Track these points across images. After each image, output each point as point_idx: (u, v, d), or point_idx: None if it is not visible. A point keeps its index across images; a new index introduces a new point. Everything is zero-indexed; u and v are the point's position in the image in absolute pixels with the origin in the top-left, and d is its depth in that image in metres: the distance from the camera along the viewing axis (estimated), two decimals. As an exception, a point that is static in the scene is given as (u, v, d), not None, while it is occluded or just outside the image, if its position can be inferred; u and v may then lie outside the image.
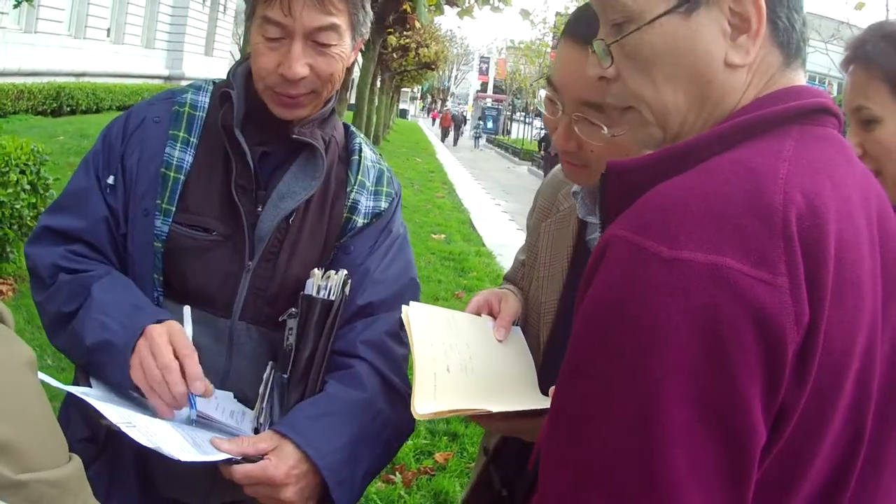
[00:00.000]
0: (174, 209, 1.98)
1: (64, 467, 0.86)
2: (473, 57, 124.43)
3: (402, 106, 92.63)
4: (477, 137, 63.65)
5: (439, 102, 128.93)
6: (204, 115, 2.05)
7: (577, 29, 1.74)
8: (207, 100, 2.07)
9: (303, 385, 1.93)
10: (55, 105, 24.89)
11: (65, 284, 1.92)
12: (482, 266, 12.19)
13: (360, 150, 2.19)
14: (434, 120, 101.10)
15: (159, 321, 1.83)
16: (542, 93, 1.88)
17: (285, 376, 1.91)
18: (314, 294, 1.94)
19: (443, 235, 14.28)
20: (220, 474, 1.78)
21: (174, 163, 1.99)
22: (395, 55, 30.86)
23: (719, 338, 0.99)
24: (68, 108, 24.91)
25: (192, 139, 2.02)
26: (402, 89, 60.65)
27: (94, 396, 1.72)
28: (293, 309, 1.94)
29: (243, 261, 2.01)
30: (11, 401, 0.81)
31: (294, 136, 2.01)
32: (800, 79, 1.27)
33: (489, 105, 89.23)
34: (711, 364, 0.99)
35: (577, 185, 1.99)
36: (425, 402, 1.64)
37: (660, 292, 1.02)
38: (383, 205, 2.19)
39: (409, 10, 8.01)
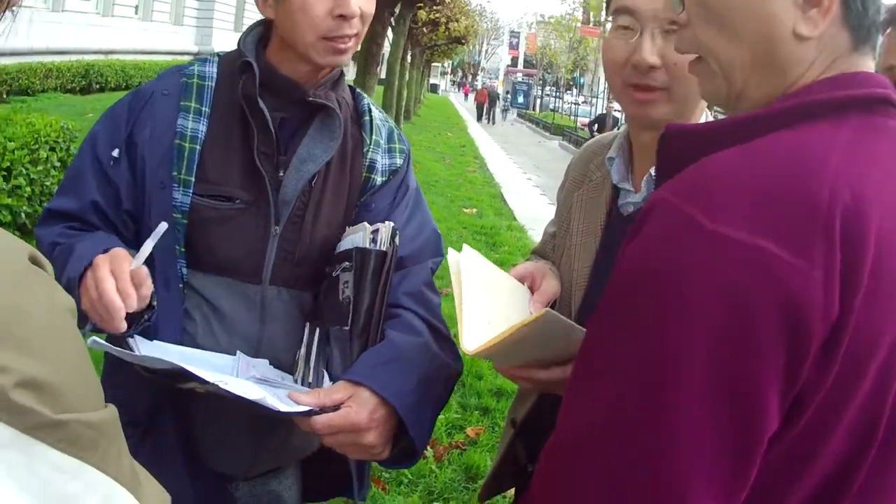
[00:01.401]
0: (193, 180, 1.98)
1: (101, 411, 0.88)
2: (503, 31, 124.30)
3: (432, 81, 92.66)
4: (505, 111, 63.20)
5: (470, 77, 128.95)
6: (213, 84, 2.05)
7: None
8: (215, 70, 2.08)
9: (365, 335, 1.95)
10: (84, 83, 25.05)
11: (59, 254, 1.91)
12: (514, 240, 12.17)
13: (370, 111, 2.22)
14: (466, 95, 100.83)
15: (105, 251, 1.81)
16: (609, 25, 1.91)
17: (346, 328, 1.93)
18: (367, 246, 1.95)
19: (474, 210, 14.29)
20: (262, 443, 1.95)
21: (188, 133, 1.99)
22: (424, 30, 30.75)
23: (746, 317, 1.00)
24: (97, 86, 25.08)
25: (204, 108, 2.02)
26: (433, 64, 60.35)
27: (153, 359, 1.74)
28: (346, 262, 1.96)
29: (269, 226, 2.02)
30: (51, 343, 0.82)
31: (310, 98, 2.03)
32: (867, 65, 1.25)
33: (520, 80, 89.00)
34: (734, 343, 1.01)
35: (613, 151, 1.99)
36: (474, 339, 1.65)
37: (696, 263, 1.04)
38: (398, 161, 2.23)
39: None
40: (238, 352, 1.99)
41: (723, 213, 1.04)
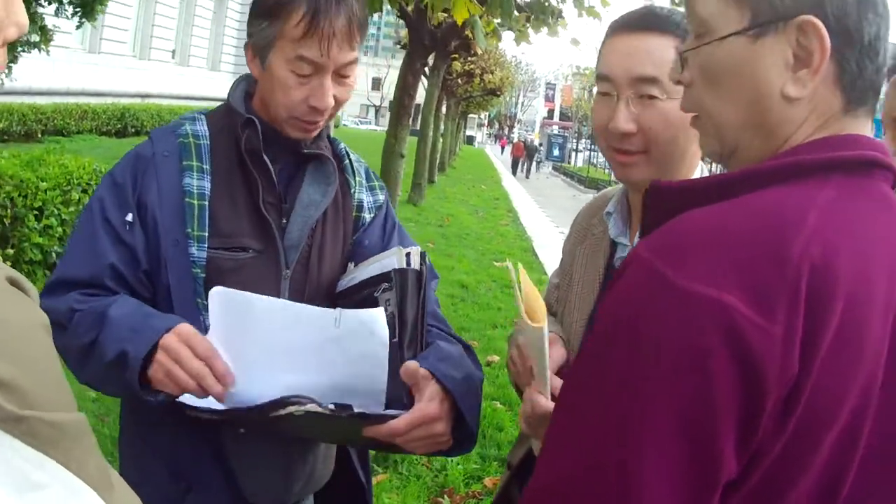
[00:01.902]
0: (206, 234, 2.06)
1: (65, 413, 0.91)
2: (540, 83, 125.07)
3: (468, 133, 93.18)
4: (538, 162, 63.36)
5: (506, 129, 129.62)
6: (208, 142, 2.13)
7: (627, 21, 1.92)
8: (206, 128, 2.16)
9: (414, 345, 2.06)
10: (119, 126, 25.51)
11: (81, 318, 1.94)
12: (542, 294, 12.01)
13: (348, 154, 2.36)
14: (503, 148, 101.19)
15: (168, 329, 1.86)
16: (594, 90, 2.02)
17: (394, 340, 2.00)
18: (403, 267, 2.08)
19: (505, 263, 14.21)
20: (294, 473, 2.18)
21: (195, 191, 2.06)
22: (459, 81, 31.05)
23: (706, 370, 1.04)
24: (133, 129, 25.50)
25: (204, 166, 2.10)
26: (469, 116, 60.70)
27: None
28: (385, 283, 2.07)
29: (280, 270, 2.14)
30: (19, 349, 0.88)
31: (305, 150, 2.17)
32: (860, 127, 1.27)
33: (555, 132, 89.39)
34: (694, 393, 1.05)
35: (611, 206, 2.10)
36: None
37: (661, 315, 1.08)
38: (381, 197, 2.41)
39: (471, 35, 7.99)
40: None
41: (691, 268, 1.09)
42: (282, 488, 2.20)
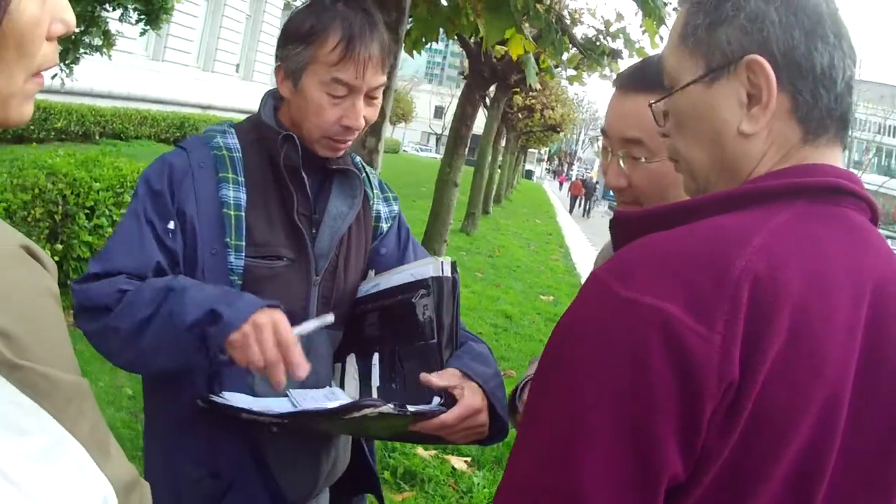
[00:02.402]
0: (244, 244, 2.16)
1: (64, 373, 0.96)
2: (600, 122, 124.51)
3: (528, 167, 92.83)
4: (594, 200, 62.54)
5: (566, 166, 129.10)
6: (240, 155, 2.24)
7: (621, 80, 1.99)
8: (236, 141, 2.26)
9: (451, 345, 2.23)
10: (179, 134, 25.59)
11: (134, 296, 1.99)
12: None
13: (364, 167, 2.48)
14: (561, 184, 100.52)
15: (264, 306, 1.95)
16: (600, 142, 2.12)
17: (433, 342, 2.20)
18: (440, 275, 2.23)
19: (551, 297, 14.24)
20: (322, 466, 2.32)
21: (231, 202, 2.16)
22: (520, 115, 30.98)
23: (646, 372, 1.09)
24: (195, 135, 25.62)
25: (239, 178, 2.20)
26: (529, 150, 60.50)
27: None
28: (423, 290, 2.22)
29: (310, 277, 2.25)
30: (23, 305, 0.92)
31: (334, 167, 2.31)
32: (825, 157, 1.31)
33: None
34: (635, 393, 1.10)
35: None
36: None
37: (603, 322, 1.15)
38: (395, 207, 2.56)
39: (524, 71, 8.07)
40: (288, 391, 2.16)
41: (635, 281, 1.15)
42: (312, 481, 2.32)
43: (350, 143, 2.26)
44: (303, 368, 1.90)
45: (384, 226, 2.49)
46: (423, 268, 2.29)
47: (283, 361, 1.89)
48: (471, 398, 2.06)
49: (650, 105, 1.50)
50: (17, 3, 0.95)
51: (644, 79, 1.90)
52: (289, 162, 2.20)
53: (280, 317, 1.95)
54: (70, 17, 1.05)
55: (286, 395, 2.16)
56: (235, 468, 2.17)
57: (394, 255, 2.49)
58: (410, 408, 1.99)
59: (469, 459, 6.02)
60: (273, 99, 2.32)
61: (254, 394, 2.16)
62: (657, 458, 1.10)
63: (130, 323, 1.97)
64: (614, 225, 1.39)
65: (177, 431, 2.18)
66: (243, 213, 2.16)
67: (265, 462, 2.18)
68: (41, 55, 1.02)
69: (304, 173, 2.23)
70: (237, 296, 1.98)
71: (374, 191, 2.49)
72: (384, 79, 2.22)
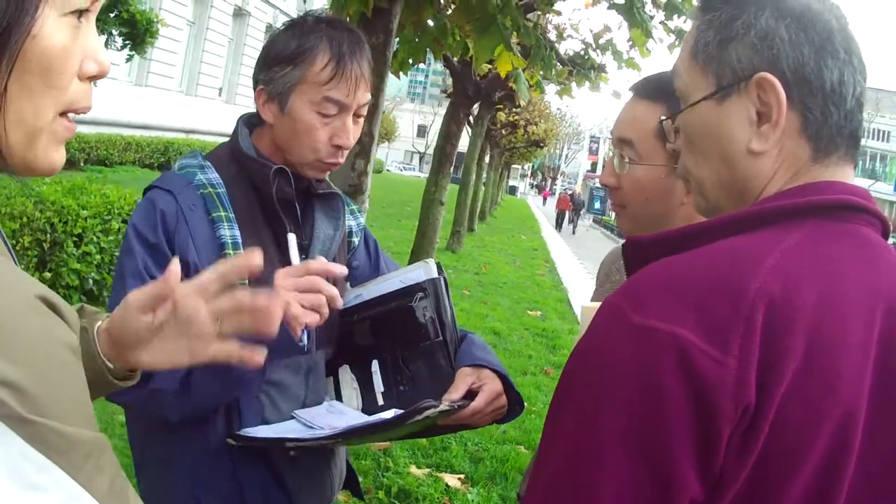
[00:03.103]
0: (247, 283, 2.03)
1: (80, 429, 0.92)
2: (584, 136, 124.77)
3: (511, 183, 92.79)
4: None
5: (549, 181, 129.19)
6: (224, 190, 2.17)
7: (636, 85, 2.05)
8: (217, 175, 2.19)
9: (455, 341, 2.30)
10: (163, 159, 25.54)
11: (198, 380, 1.96)
12: (573, 344, 11.99)
13: (329, 184, 2.43)
14: (545, 199, 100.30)
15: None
16: None
17: (438, 339, 2.28)
18: (435, 276, 2.30)
19: (539, 312, 14.24)
20: (333, 475, 2.39)
21: (230, 241, 2.11)
22: (503, 131, 31.01)
23: (661, 398, 1.09)
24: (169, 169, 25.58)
25: (231, 215, 2.14)
26: (513, 166, 60.52)
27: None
28: (420, 293, 2.29)
29: None
30: (35, 357, 0.89)
31: (320, 192, 2.33)
32: (836, 174, 1.30)
33: (597, 185, 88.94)
34: (650, 419, 1.10)
35: None
36: None
37: (620, 350, 1.14)
38: (361, 220, 2.58)
39: (515, 87, 8.12)
40: (293, 413, 2.20)
41: (650, 307, 1.14)
42: (327, 496, 2.39)
43: (339, 165, 2.27)
44: (339, 267, 1.91)
45: (356, 240, 2.52)
46: (414, 273, 2.34)
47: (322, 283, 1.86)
48: (492, 384, 2.17)
49: (661, 121, 1.51)
50: (41, 27, 0.94)
51: (657, 89, 1.94)
52: (282, 195, 2.19)
53: (280, 270, 1.89)
54: (105, 59, 1.05)
55: (293, 418, 2.17)
56: (261, 500, 2.16)
57: (366, 267, 2.53)
58: (457, 402, 2.10)
59: (462, 477, 6.02)
60: (247, 126, 2.30)
61: (265, 422, 2.15)
62: (674, 482, 1.10)
63: (174, 379, 1.94)
64: (626, 249, 1.39)
65: (201, 472, 2.13)
66: (242, 252, 2.06)
67: (288, 490, 2.20)
68: (72, 92, 1.01)
69: (297, 205, 2.24)
70: None
71: (346, 207, 2.48)
72: (369, 95, 2.24)
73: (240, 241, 2.12)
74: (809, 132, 1.28)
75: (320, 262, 1.89)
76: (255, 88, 2.22)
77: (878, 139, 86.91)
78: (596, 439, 1.13)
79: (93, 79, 1.05)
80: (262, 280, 2.07)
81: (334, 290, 1.87)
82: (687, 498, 1.11)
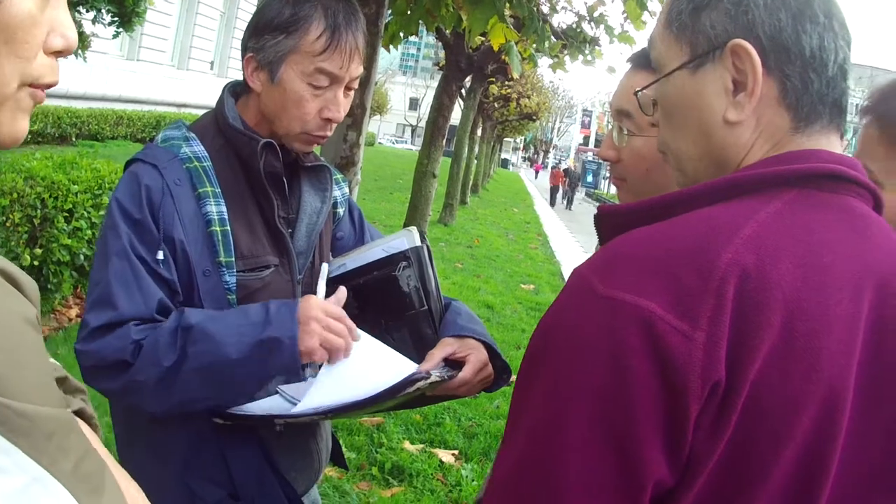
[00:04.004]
0: (233, 259, 2.07)
1: (43, 408, 0.90)
2: (576, 110, 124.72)
3: (504, 156, 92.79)
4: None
5: (542, 154, 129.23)
6: (210, 164, 2.12)
7: (633, 56, 2.03)
8: (202, 148, 2.14)
9: (440, 310, 2.33)
10: (154, 133, 25.46)
11: (152, 345, 1.91)
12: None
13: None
14: (537, 173, 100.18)
15: (294, 305, 1.98)
16: None
17: (423, 308, 2.30)
18: (417, 245, 2.30)
19: (532, 286, 14.25)
20: (321, 454, 2.39)
21: (216, 218, 2.06)
22: (496, 104, 31.00)
23: (626, 373, 1.06)
24: (151, 140, 25.64)
25: (217, 190, 2.09)
26: (505, 139, 60.46)
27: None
28: (404, 262, 2.28)
29: (294, 277, 2.22)
30: None
31: (308, 164, 2.28)
32: (817, 144, 1.25)
33: (589, 159, 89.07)
34: (615, 395, 1.07)
35: None
36: None
37: (586, 322, 1.11)
38: (346, 190, 2.54)
39: (507, 60, 8.08)
40: (277, 388, 2.11)
41: (616, 278, 1.11)
42: (315, 470, 2.38)
43: (326, 139, 2.23)
44: (355, 329, 2.02)
45: (341, 211, 2.49)
46: (396, 241, 2.32)
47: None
48: (477, 353, 2.18)
49: (635, 93, 1.48)
50: None
51: (647, 58, 1.87)
52: (270, 169, 2.14)
53: (310, 302, 1.99)
54: (72, 34, 1.02)
55: (277, 393, 2.11)
56: (253, 481, 2.12)
57: (350, 237, 2.51)
58: (446, 372, 2.12)
59: (456, 452, 6.03)
60: (232, 95, 2.24)
61: (250, 399, 2.10)
62: (640, 461, 1.07)
63: (156, 374, 1.90)
64: (599, 219, 1.36)
65: (188, 455, 2.09)
66: (229, 228, 2.07)
67: (277, 466, 2.16)
68: (38, 65, 0.98)
69: (285, 179, 2.19)
70: (260, 313, 1.95)
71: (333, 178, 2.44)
72: (363, 70, 2.19)
73: (226, 216, 2.07)
74: (789, 101, 1.23)
75: (343, 313, 2.00)
76: (243, 56, 2.16)
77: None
78: (560, 416, 1.10)
79: (58, 54, 1.02)
80: (248, 257, 2.07)
81: (356, 333, 2.01)
82: (652, 478, 1.08)
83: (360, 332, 2.08)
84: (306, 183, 2.30)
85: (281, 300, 2.00)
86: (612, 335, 1.07)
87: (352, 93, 2.20)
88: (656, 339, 1.05)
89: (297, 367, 1.93)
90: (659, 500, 1.11)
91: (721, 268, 1.07)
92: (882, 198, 1.28)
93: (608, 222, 1.33)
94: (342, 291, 2.09)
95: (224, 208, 2.07)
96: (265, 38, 2.08)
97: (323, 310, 1.97)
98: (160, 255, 1.99)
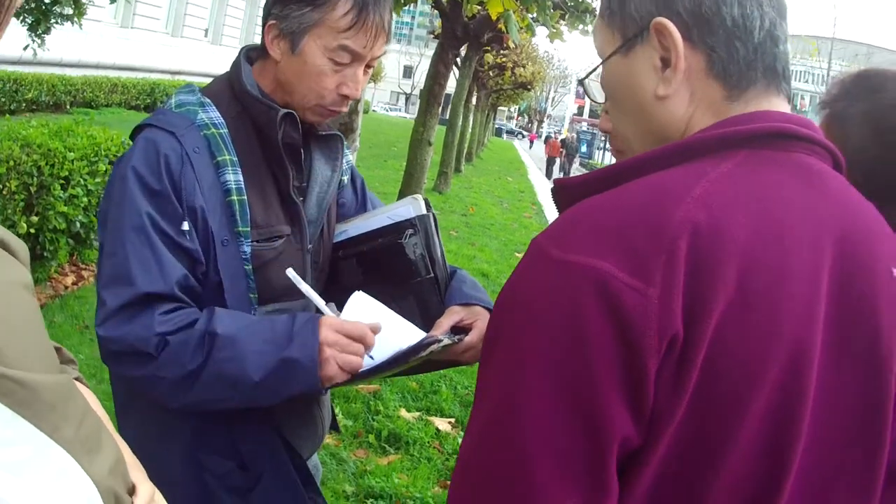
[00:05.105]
0: (249, 229, 2.06)
1: (42, 375, 0.92)
2: (571, 80, 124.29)
3: (498, 124, 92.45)
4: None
5: (535, 123, 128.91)
6: (227, 131, 2.08)
7: None
8: (218, 114, 2.10)
9: (445, 278, 2.33)
10: (149, 101, 25.57)
11: (180, 345, 1.89)
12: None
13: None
14: (531, 142, 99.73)
15: (316, 326, 1.94)
16: None
17: (430, 276, 2.28)
18: (424, 213, 2.30)
19: (526, 255, 14.22)
20: (324, 420, 2.43)
21: (234, 187, 2.04)
22: (491, 73, 30.92)
23: (583, 332, 1.08)
24: (162, 105, 25.64)
25: (234, 158, 2.06)
26: (499, 108, 60.27)
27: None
28: (410, 229, 2.27)
29: (304, 247, 2.22)
30: None
31: (322, 133, 2.28)
32: (758, 107, 1.28)
33: (584, 129, 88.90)
34: (573, 355, 1.08)
35: None
36: None
37: (541, 286, 1.13)
38: (350, 157, 2.50)
39: (503, 29, 8.05)
40: None
41: (570, 242, 1.13)
42: (318, 436, 2.41)
43: (341, 113, 2.21)
44: (372, 339, 2.00)
45: (345, 178, 2.48)
46: (402, 209, 2.33)
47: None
48: (484, 320, 2.16)
49: (579, 81, 1.52)
50: None
51: None
52: (288, 140, 2.11)
53: (333, 320, 1.97)
54: None
55: None
56: (261, 450, 2.12)
57: (353, 204, 2.52)
58: (455, 336, 2.13)
59: (453, 420, 6.06)
60: (248, 61, 2.18)
61: None
62: (602, 419, 1.08)
63: (178, 373, 1.89)
64: (556, 192, 1.38)
65: (198, 429, 2.09)
66: (245, 197, 2.05)
67: (282, 434, 2.15)
68: None
69: (302, 150, 2.18)
70: (285, 331, 1.92)
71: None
72: (385, 49, 2.16)
73: (243, 186, 2.05)
74: (716, 70, 1.27)
75: (369, 335, 1.97)
76: (264, 21, 2.10)
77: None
78: (521, 380, 1.12)
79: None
80: (262, 227, 2.06)
81: (372, 341, 1.98)
82: (617, 436, 1.09)
83: (371, 300, 2.10)
84: (317, 152, 2.29)
85: (306, 314, 1.98)
86: (568, 296, 1.09)
87: (371, 70, 2.17)
88: (611, 297, 1.06)
89: (318, 390, 1.95)
90: (626, 462, 1.13)
91: (672, 226, 1.09)
92: (841, 158, 1.31)
93: (564, 194, 1.35)
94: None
95: (241, 177, 2.05)
96: (290, 7, 2.04)
97: (337, 329, 1.93)
98: (185, 227, 1.96)
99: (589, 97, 1.51)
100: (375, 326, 2.01)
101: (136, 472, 1.30)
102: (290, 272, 2.02)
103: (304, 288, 2.03)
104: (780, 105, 1.30)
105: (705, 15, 1.25)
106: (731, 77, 1.26)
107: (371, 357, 2.01)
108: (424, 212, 2.29)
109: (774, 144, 1.24)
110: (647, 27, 1.28)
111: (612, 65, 1.35)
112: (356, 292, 2.13)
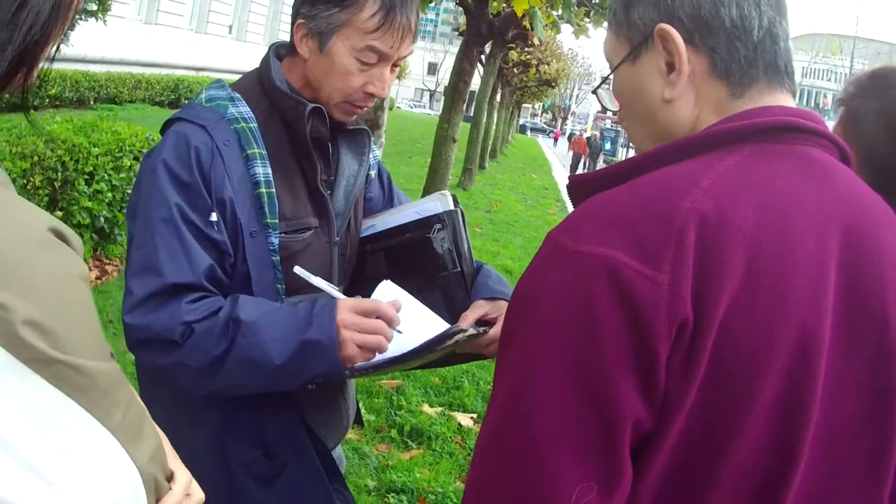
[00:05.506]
0: (277, 221, 2.09)
1: (96, 363, 0.96)
2: (595, 77, 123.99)
3: (522, 121, 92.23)
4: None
5: (559, 120, 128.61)
6: (256, 125, 2.10)
7: None
8: (248, 109, 2.12)
9: (471, 272, 2.35)
10: (173, 97, 25.58)
11: (205, 333, 1.93)
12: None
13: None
14: (556, 140, 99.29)
15: (334, 308, 1.97)
16: None
17: (456, 270, 2.30)
18: (452, 208, 2.32)
19: (550, 252, 14.21)
20: (349, 410, 2.47)
21: (262, 180, 2.07)
22: (515, 70, 30.89)
23: (595, 319, 1.11)
24: (186, 101, 25.64)
25: (263, 152, 2.09)
26: (523, 105, 60.13)
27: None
28: (438, 224, 2.30)
29: (332, 239, 2.24)
30: (56, 294, 0.93)
31: (349, 127, 2.30)
32: (761, 102, 1.32)
33: (608, 126, 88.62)
34: (586, 341, 1.11)
35: None
36: None
37: (555, 276, 1.17)
38: (378, 152, 2.56)
39: (528, 26, 8.04)
40: None
41: (583, 233, 1.17)
42: (343, 427, 2.44)
43: (366, 109, 2.24)
44: (396, 319, 2.01)
45: (373, 173, 2.51)
46: (430, 204, 2.36)
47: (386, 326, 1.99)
48: None
49: (593, 91, 1.56)
50: None
51: None
52: (316, 134, 2.15)
53: (350, 301, 2.00)
54: None
55: None
56: (287, 439, 2.15)
57: (380, 199, 2.55)
58: (480, 328, 2.13)
59: (475, 416, 6.05)
60: (278, 57, 2.22)
61: None
62: (615, 403, 1.11)
63: (203, 360, 1.92)
64: (571, 188, 1.42)
65: (226, 417, 2.13)
66: (273, 190, 2.08)
67: (308, 423, 2.18)
68: None
69: (330, 144, 2.23)
70: (305, 315, 1.96)
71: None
72: (412, 50, 2.19)
73: (272, 178, 2.07)
74: (719, 71, 1.31)
75: (386, 308, 1.99)
76: (293, 20, 2.14)
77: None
78: (535, 366, 1.15)
79: None
80: (290, 219, 2.09)
81: (391, 332, 1.99)
82: (630, 420, 1.12)
83: (398, 290, 2.12)
84: (345, 146, 2.32)
85: (325, 301, 2.00)
86: (581, 284, 1.13)
87: (398, 69, 2.20)
88: (622, 284, 1.10)
89: (340, 370, 1.97)
90: (639, 448, 1.15)
91: (681, 216, 1.13)
92: (849, 151, 1.34)
93: (578, 189, 1.39)
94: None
95: (269, 170, 2.07)
96: (318, 7, 2.06)
97: (352, 309, 1.97)
98: (213, 217, 1.99)
99: (603, 106, 1.55)
100: (396, 304, 2.03)
101: (173, 460, 1.37)
102: (298, 269, 2.03)
103: (316, 281, 2.03)
104: (784, 100, 1.33)
105: (705, 18, 1.29)
106: (734, 76, 1.31)
107: (399, 331, 2.02)
108: (452, 207, 2.32)
109: (780, 138, 1.27)
110: (651, 34, 1.33)
111: (622, 73, 1.40)
112: (384, 281, 2.16)
